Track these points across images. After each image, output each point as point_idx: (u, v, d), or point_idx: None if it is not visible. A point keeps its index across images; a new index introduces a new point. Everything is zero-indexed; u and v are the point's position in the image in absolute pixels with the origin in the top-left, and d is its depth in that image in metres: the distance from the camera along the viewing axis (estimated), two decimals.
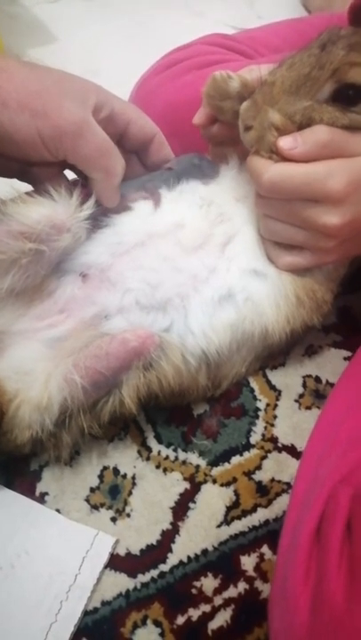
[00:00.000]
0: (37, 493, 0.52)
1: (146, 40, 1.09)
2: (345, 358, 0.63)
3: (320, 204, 0.46)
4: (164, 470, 0.54)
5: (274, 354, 0.60)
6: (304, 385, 0.61)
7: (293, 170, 0.45)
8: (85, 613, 0.46)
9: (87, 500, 0.52)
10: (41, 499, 0.52)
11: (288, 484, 0.53)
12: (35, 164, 0.52)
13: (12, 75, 0.47)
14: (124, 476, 0.53)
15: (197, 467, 0.54)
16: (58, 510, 0.51)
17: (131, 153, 0.58)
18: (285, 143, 0.45)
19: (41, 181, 0.54)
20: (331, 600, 0.33)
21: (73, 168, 0.56)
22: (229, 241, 0.54)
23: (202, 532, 0.51)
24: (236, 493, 0.53)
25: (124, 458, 0.55)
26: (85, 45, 1.06)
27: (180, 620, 0.47)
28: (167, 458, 0.55)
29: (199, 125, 0.57)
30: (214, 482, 0.53)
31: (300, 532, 0.38)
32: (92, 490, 0.53)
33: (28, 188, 0.54)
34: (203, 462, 0.55)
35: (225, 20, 1.19)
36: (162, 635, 0.46)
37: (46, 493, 0.52)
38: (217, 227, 0.54)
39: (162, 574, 0.49)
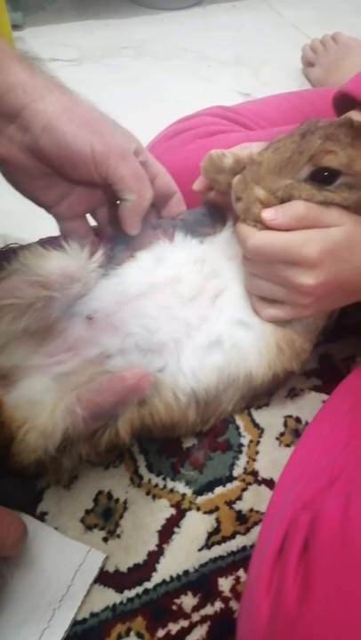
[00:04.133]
0: (38, 512, 0.58)
1: (159, 104, 1.19)
2: (323, 401, 0.69)
3: (297, 267, 0.53)
4: (153, 497, 0.60)
5: (258, 395, 0.66)
6: (285, 424, 0.67)
7: (274, 237, 0.53)
8: (75, 623, 0.51)
9: (82, 521, 0.58)
10: (41, 517, 0.57)
11: (265, 513, 0.59)
12: (73, 189, 0.61)
13: (81, 103, 0.58)
14: (117, 501, 0.59)
15: (184, 495, 0.60)
16: (56, 528, 0.57)
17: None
18: (268, 215, 0.53)
19: (67, 217, 0.64)
20: (285, 608, 0.38)
21: (95, 214, 0.65)
22: (220, 294, 0.61)
23: (184, 554, 0.56)
24: (218, 521, 0.58)
25: (118, 484, 0.61)
26: (103, 107, 1.16)
27: (161, 633, 0.51)
28: (157, 485, 0.61)
29: (198, 191, 0.65)
30: (198, 509, 0.59)
31: (266, 551, 0.43)
32: (87, 512, 0.58)
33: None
34: (189, 491, 0.60)
35: (232, 87, 1.30)
36: None
37: (46, 513, 0.58)
38: (210, 281, 0.62)
39: (146, 591, 0.54)
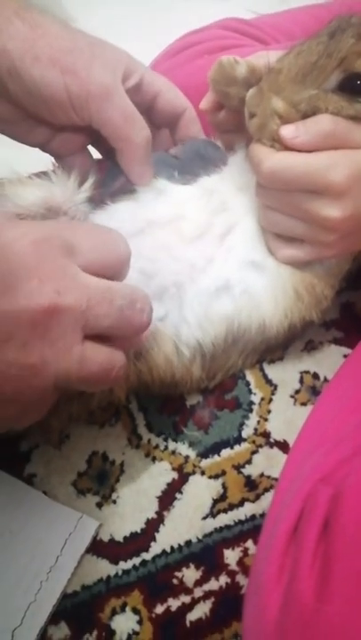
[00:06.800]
0: (25, 474, 0.52)
1: (165, 25, 1.07)
2: (344, 356, 0.61)
3: (321, 197, 0.45)
4: (153, 459, 0.54)
5: (272, 347, 0.58)
6: (301, 381, 0.60)
7: (294, 159, 0.44)
8: (65, 596, 0.46)
9: (74, 485, 0.52)
10: (29, 480, 0.52)
11: (277, 479, 0.52)
12: (61, 129, 0.52)
13: (47, 30, 0.47)
14: (113, 463, 0.53)
15: (187, 457, 0.54)
16: (45, 492, 0.51)
17: (161, 127, 0.58)
18: (288, 132, 0.44)
19: (64, 154, 0.55)
20: (300, 599, 0.32)
21: (98, 144, 0.56)
22: (229, 231, 0.53)
23: (187, 522, 0.50)
24: (224, 486, 0.52)
25: (114, 444, 0.54)
26: (103, 27, 1.04)
27: (159, 609, 0.47)
28: (157, 446, 0.54)
29: (206, 111, 0.55)
30: (203, 473, 0.53)
31: (277, 530, 0.37)
32: (79, 474, 0.53)
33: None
34: (192, 453, 0.54)
35: (247, 6, 1.17)
36: (140, 622, 0.46)
37: (34, 475, 0.52)
38: (217, 216, 0.53)
39: (144, 562, 0.49)
